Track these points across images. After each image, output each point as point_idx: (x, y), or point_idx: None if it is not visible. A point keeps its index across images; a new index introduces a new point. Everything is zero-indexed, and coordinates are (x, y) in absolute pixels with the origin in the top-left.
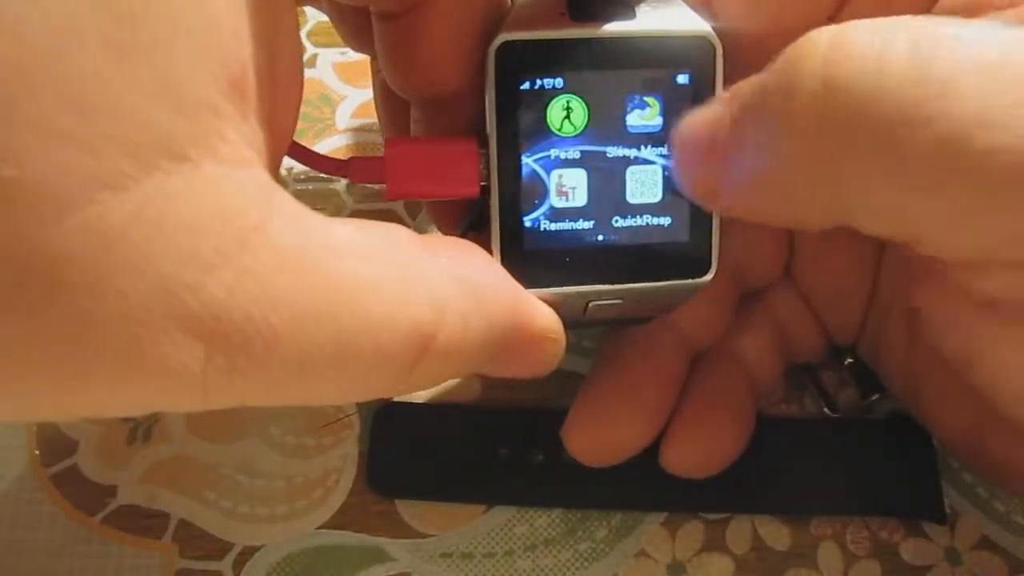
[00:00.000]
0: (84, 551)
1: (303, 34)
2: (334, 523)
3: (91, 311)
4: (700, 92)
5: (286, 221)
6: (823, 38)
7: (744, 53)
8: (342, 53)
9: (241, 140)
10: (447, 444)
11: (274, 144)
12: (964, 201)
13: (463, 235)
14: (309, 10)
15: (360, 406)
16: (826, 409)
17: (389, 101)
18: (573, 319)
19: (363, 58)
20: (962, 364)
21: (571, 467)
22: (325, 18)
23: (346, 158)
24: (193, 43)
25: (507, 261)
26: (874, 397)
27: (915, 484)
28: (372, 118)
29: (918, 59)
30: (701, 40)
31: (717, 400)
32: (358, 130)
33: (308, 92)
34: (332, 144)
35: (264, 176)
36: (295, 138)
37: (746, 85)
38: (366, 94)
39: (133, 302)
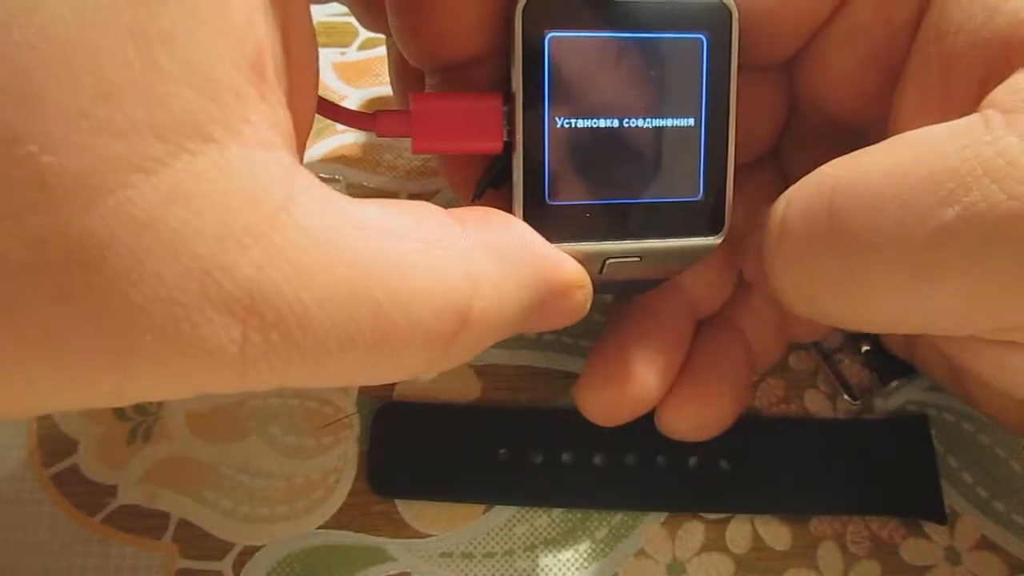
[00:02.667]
0: (84, 551)
1: None
2: (334, 523)
3: (130, 295)
4: (717, 55)
5: (312, 201)
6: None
7: (759, 19)
8: (342, 53)
9: (263, 122)
10: (447, 444)
11: (295, 125)
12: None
13: (479, 196)
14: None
15: (360, 406)
16: (846, 397)
17: (404, 75)
18: (590, 276)
19: (363, 58)
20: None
21: (571, 467)
22: (325, 18)
23: (372, 112)
24: (210, 26)
25: (529, 217)
26: (893, 384)
27: (915, 484)
28: None
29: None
30: (719, 4)
31: (715, 367)
32: (358, 130)
33: None
34: (332, 144)
35: (288, 157)
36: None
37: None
38: (366, 94)
39: (170, 284)
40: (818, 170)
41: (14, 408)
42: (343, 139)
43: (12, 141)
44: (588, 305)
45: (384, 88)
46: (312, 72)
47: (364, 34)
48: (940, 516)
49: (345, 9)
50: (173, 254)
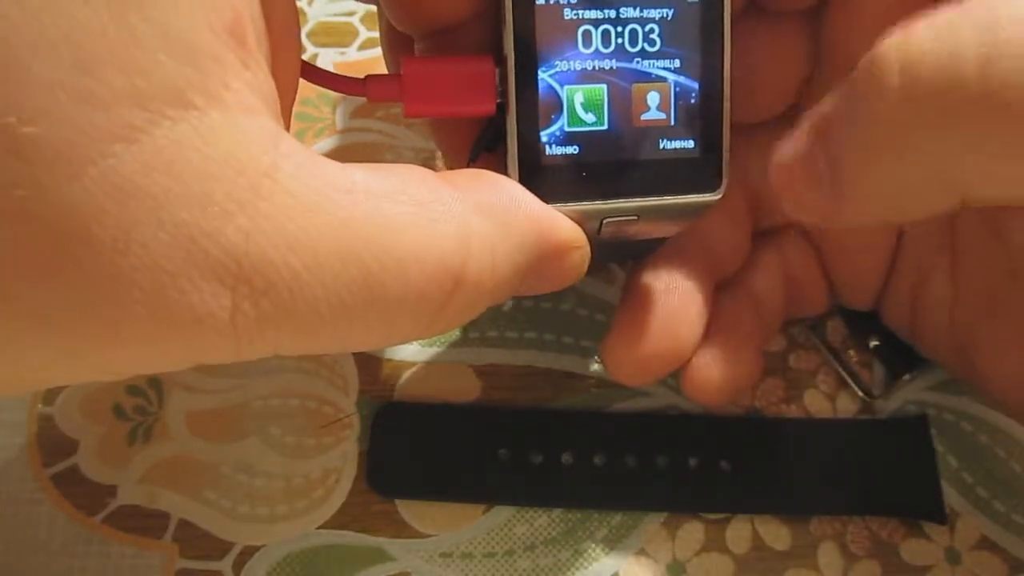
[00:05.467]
0: (84, 551)
1: (303, 35)
2: (334, 523)
3: (117, 265)
4: (709, 9)
5: (297, 166)
6: (894, 40)
7: None
8: (342, 53)
9: (245, 88)
10: (447, 444)
11: (278, 91)
12: None
13: (474, 159)
14: (309, 10)
15: (360, 406)
16: (860, 394)
17: (395, 44)
18: (588, 237)
19: (363, 58)
20: None
21: (571, 467)
22: (325, 18)
23: (362, 76)
24: None
25: (524, 178)
26: (905, 377)
27: (915, 484)
28: (372, 119)
29: (985, 37)
30: None
31: (735, 329)
32: (358, 130)
33: (308, 92)
34: (332, 144)
35: (271, 123)
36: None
37: (823, 104)
38: None
39: (156, 252)
40: (931, 21)
41: (8, 384)
42: (343, 139)
43: None
44: (585, 266)
45: None
46: (294, 38)
47: (364, 34)
48: (940, 516)
49: (345, 9)
50: (157, 222)
